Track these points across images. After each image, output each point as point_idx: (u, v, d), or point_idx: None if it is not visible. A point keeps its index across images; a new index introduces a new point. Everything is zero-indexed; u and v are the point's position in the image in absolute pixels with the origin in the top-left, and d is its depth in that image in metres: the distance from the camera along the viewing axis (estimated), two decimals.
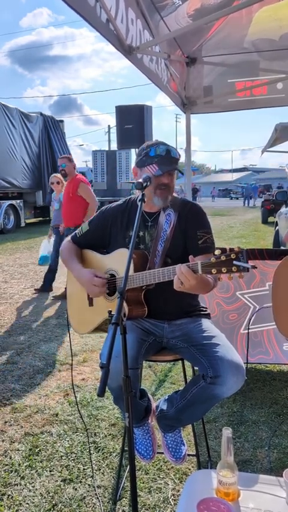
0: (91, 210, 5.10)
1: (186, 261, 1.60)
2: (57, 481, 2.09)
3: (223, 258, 1.46)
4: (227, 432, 1.36)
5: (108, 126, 45.35)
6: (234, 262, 1.44)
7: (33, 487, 2.05)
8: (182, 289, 1.60)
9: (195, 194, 34.98)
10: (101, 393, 1.17)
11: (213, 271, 1.48)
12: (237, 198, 35.67)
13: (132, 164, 2.13)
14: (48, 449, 2.33)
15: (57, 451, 2.32)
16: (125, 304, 1.85)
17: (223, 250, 1.48)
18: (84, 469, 2.18)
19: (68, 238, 2.20)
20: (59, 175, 5.65)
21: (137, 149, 2.12)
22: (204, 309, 2.07)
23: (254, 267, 1.43)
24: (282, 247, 7.11)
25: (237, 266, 1.44)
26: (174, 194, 2.07)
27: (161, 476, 2.12)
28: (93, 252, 2.12)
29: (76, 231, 2.19)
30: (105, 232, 2.07)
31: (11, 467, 2.19)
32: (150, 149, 1.90)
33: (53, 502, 1.94)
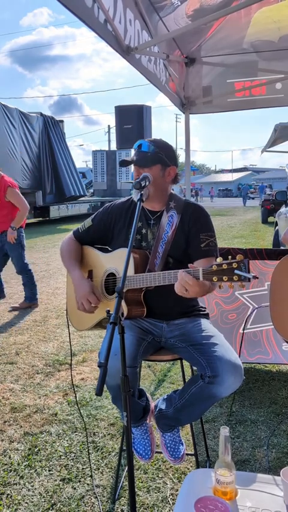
0: (20, 216, 4.74)
1: (188, 261, 1.61)
2: (56, 480, 2.09)
3: (224, 266, 1.46)
4: (224, 431, 1.37)
5: (108, 126, 45.40)
6: (236, 271, 1.44)
7: (32, 486, 2.05)
8: (186, 295, 1.60)
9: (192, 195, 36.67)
10: (99, 392, 1.17)
11: (214, 278, 1.48)
12: (252, 198, 35.79)
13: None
14: (47, 449, 2.34)
15: (56, 450, 2.33)
16: (124, 304, 1.86)
17: (225, 258, 1.48)
18: (83, 468, 2.18)
19: (70, 233, 2.21)
20: None
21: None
22: (203, 309, 2.07)
23: (255, 277, 1.43)
24: (281, 247, 7.11)
25: (239, 275, 1.44)
26: (175, 192, 2.07)
27: (159, 476, 2.12)
28: (95, 250, 2.12)
29: (78, 226, 2.19)
30: (108, 228, 2.07)
31: (10, 467, 2.19)
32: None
33: (52, 501, 1.95)
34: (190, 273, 1.56)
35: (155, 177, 1.90)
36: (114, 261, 2.00)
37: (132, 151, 2.00)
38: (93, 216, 2.15)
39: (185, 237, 1.93)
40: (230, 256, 1.47)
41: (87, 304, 1.93)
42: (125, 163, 1.93)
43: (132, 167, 2.04)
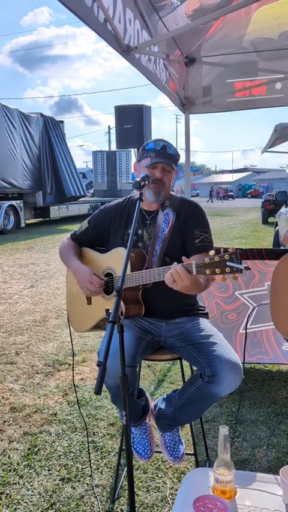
0: None
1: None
2: (55, 480, 2.09)
3: (217, 258, 1.47)
4: (223, 430, 1.37)
5: (109, 126, 45.48)
6: (228, 263, 1.45)
7: (31, 486, 2.05)
8: (174, 287, 1.60)
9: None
10: (98, 391, 1.17)
11: (207, 271, 1.49)
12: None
13: (133, 162, 2.15)
14: (46, 449, 2.34)
15: (55, 450, 2.32)
16: (122, 303, 1.85)
17: (217, 251, 1.48)
18: (82, 468, 2.18)
19: (67, 236, 2.21)
20: None
21: (136, 149, 2.13)
22: (202, 308, 2.07)
23: (247, 268, 1.43)
24: (281, 247, 7.11)
25: (231, 267, 1.44)
26: (173, 193, 2.07)
27: (159, 476, 2.12)
28: (91, 251, 2.13)
29: (76, 229, 2.20)
30: (104, 230, 2.08)
31: (10, 467, 2.19)
32: (149, 143, 1.96)
33: (52, 501, 1.94)
34: (184, 267, 1.56)
35: (170, 177, 1.95)
36: (111, 261, 2.00)
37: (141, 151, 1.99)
38: (89, 218, 2.15)
39: (181, 234, 1.93)
40: (222, 249, 1.48)
41: (92, 287, 1.92)
42: (158, 161, 1.89)
43: (132, 167, 2.05)
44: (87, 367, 3.40)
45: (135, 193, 2.03)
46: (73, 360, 2.38)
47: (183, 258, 1.59)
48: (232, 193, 51.90)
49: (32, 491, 2.02)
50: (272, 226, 12.28)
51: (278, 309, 2.26)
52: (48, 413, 2.70)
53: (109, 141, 45.41)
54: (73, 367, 2.40)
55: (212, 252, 1.48)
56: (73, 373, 2.43)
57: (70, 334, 2.28)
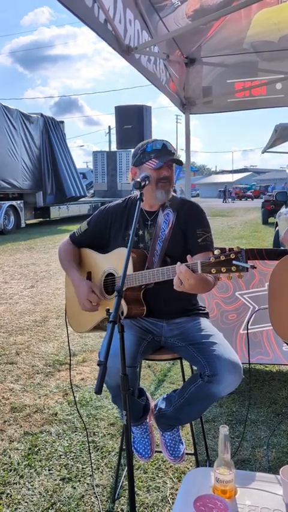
0: None
1: (186, 259, 1.61)
2: (56, 480, 2.09)
3: (222, 257, 1.47)
4: (224, 430, 1.37)
5: (109, 127, 45.48)
6: (234, 262, 1.44)
7: (32, 485, 2.05)
8: (182, 289, 1.59)
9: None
10: (99, 390, 1.17)
11: (213, 270, 1.48)
12: None
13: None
14: (47, 449, 2.34)
15: (56, 450, 2.33)
16: (124, 303, 1.86)
17: (222, 250, 1.48)
18: (83, 468, 2.18)
19: (67, 237, 2.21)
20: None
21: None
22: (202, 308, 2.07)
23: (253, 266, 1.43)
24: (281, 248, 7.10)
25: (237, 266, 1.44)
26: (173, 194, 2.07)
27: (159, 475, 2.12)
28: (92, 251, 2.13)
29: (75, 230, 2.20)
30: (104, 231, 2.07)
31: (10, 466, 2.19)
32: (147, 145, 1.94)
33: (52, 501, 1.95)
34: (188, 266, 1.56)
35: (174, 172, 1.96)
36: (112, 261, 2.00)
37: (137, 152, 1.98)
38: (89, 219, 2.15)
39: (182, 234, 1.94)
40: (227, 248, 1.48)
41: (89, 304, 1.95)
42: (167, 160, 1.89)
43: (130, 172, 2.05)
44: (88, 367, 3.41)
45: (135, 194, 2.04)
46: (70, 360, 2.39)
47: (188, 257, 1.58)
48: (251, 194, 48.35)
49: (33, 491, 2.02)
50: (272, 227, 12.28)
51: (277, 313, 2.24)
52: (49, 413, 2.70)
53: (109, 141, 45.42)
54: (70, 367, 2.41)
55: (217, 251, 1.48)
56: (70, 373, 2.43)
57: (67, 334, 2.29)
